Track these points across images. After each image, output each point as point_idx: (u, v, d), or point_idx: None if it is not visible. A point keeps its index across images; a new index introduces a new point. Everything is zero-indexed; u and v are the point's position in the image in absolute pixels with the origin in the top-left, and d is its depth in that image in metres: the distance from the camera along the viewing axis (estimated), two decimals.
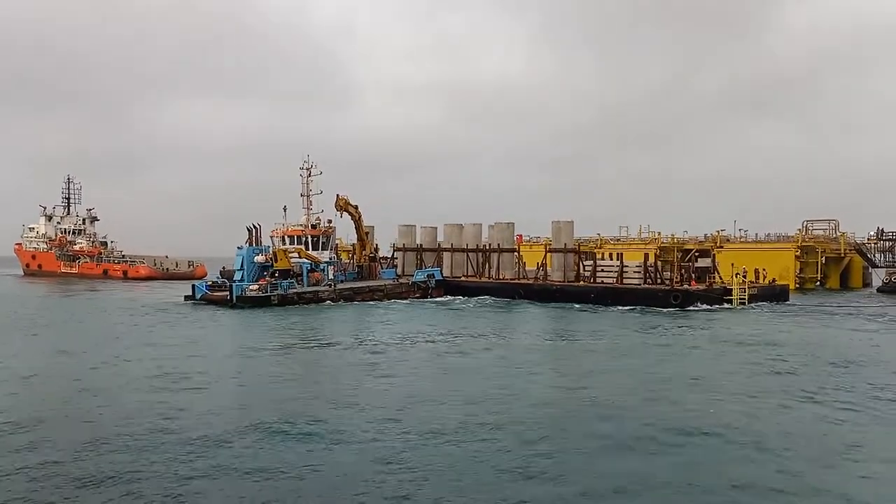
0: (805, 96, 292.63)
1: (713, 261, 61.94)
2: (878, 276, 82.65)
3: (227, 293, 55.61)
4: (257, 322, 43.96)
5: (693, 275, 58.28)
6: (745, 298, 55.29)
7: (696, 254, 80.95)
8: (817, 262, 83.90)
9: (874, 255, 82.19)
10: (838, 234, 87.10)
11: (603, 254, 66.14)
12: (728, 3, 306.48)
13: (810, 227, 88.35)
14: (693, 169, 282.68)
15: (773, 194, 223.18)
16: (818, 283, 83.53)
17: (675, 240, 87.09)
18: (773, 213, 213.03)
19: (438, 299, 62.74)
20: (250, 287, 55.46)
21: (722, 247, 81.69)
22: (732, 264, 58.23)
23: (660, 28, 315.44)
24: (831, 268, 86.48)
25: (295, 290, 56.90)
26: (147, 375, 24.82)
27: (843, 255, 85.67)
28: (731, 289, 55.31)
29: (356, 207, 65.59)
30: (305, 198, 64.26)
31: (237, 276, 58.57)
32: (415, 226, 74.78)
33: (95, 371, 26.21)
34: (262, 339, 35.28)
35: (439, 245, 73.05)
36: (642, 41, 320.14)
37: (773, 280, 63.88)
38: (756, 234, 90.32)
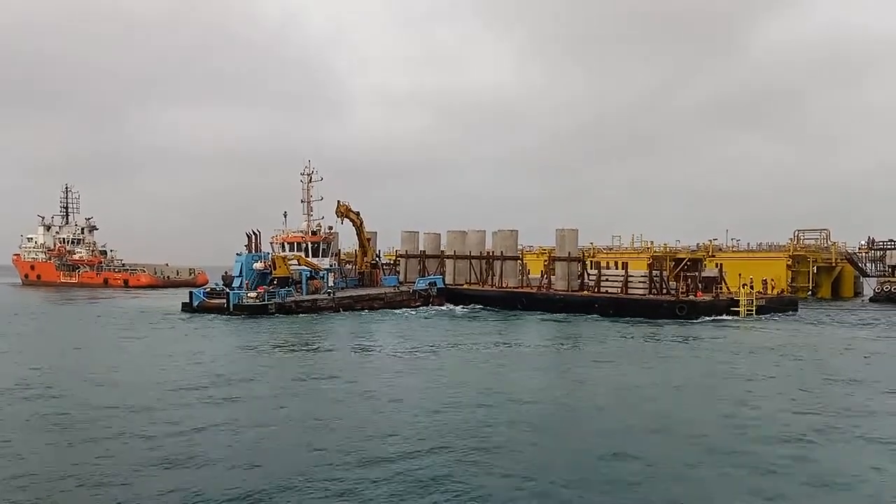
0: (790, 108, 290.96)
1: (720, 271, 57.81)
2: (869, 286, 79.43)
3: (224, 301, 51.19)
4: (249, 333, 39.19)
5: (700, 285, 54.22)
6: (752, 310, 51.34)
7: (688, 263, 77.33)
8: (809, 272, 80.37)
9: (865, 265, 78.67)
10: (829, 243, 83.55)
11: (608, 262, 61.87)
12: (713, 19, 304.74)
13: (802, 237, 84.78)
14: (679, 178, 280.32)
15: (761, 204, 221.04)
16: (810, 292, 79.81)
17: (668, 249, 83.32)
18: (761, 224, 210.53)
19: (440, 308, 58.44)
20: (248, 295, 51.05)
21: (714, 256, 78.00)
22: (740, 274, 54.25)
23: (645, 43, 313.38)
24: (823, 277, 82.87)
25: (293, 299, 52.49)
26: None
27: (834, 264, 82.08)
28: (738, 300, 51.39)
29: (357, 214, 61.35)
30: (306, 204, 59.82)
31: (236, 283, 54.22)
32: (418, 232, 70.70)
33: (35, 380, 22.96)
34: (243, 356, 30.54)
35: (442, 252, 68.81)
36: (628, 56, 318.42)
37: (782, 291, 59.90)
38: (748, 244, 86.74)
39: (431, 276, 64.17)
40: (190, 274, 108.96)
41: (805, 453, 15.32)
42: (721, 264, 60.91)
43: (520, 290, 60.66)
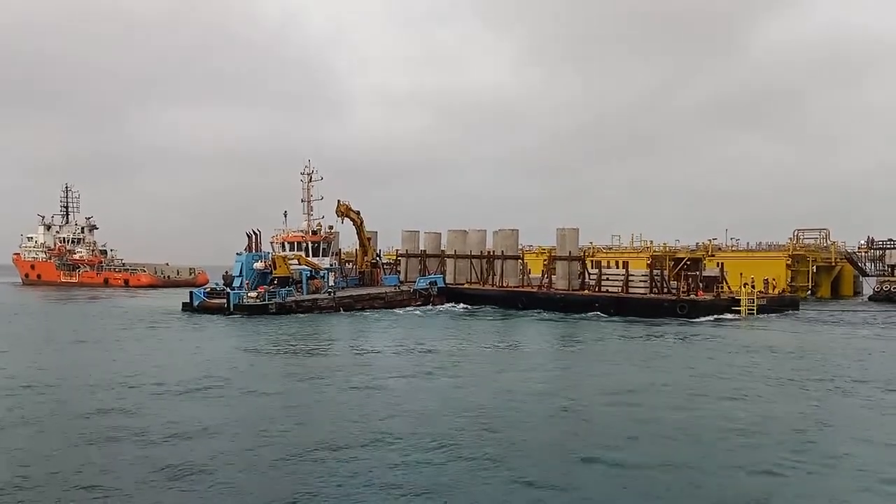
0: (790, 108, 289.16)
1: (721, 270, 57.62)
2: (869, 285, 79.31)
3: (225, 301, 50.94)
4: (249, 333, 38.80)
5: (700, 284, 54.03)
6: (753, 309, 51.15)
7: (688, 262, 77.07)
8: (808, 271, 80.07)
9: (865, 264, 78.56)
10: (829, 243, 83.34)
11: (608, 262, 61.67)
12: (713, 19, 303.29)
13: (801, 236, 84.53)
14: (679, 178, 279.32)
15: (761, 204, 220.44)
16: (809, 291, 79.56)
17: (667, 248, 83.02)
18: (761, 224, 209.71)
19: (440, 307, 58.23)
20: (248, 295, 50.83)
21: (714, 255, 77.75)
22: (741, 274, 54.02)
23: (645, 43, 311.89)
24: (822, 276, 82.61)
25: (293, 299, 52.25)
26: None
27: (834, 263, 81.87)
28: (739, 299, 51.21)
29: (358, 213, 61.12)
30: (306, 203, 59.57)
31: (236, 283, 54.03)
32: (418, 231, 70.51)
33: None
34: (243, 356, 30.00)
35: (443, 251, 68.60)
36: (628, 56, 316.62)
37: (783, 290, 59.70)
38: (748, 244, 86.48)
39: (432, 276, 63.92)
40: (190, 274, 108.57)
41: (804, 453, 15.12)
42: (722, 264, 60.73)
43: (520, 289, 60.49)
